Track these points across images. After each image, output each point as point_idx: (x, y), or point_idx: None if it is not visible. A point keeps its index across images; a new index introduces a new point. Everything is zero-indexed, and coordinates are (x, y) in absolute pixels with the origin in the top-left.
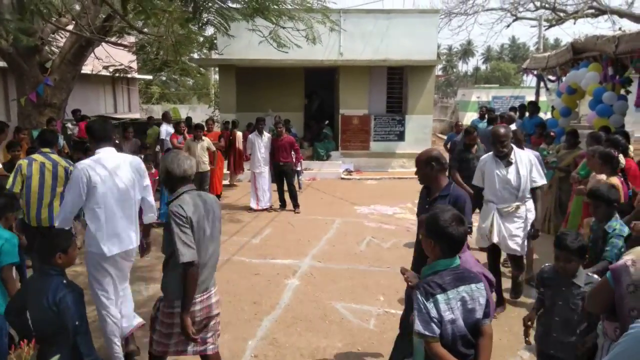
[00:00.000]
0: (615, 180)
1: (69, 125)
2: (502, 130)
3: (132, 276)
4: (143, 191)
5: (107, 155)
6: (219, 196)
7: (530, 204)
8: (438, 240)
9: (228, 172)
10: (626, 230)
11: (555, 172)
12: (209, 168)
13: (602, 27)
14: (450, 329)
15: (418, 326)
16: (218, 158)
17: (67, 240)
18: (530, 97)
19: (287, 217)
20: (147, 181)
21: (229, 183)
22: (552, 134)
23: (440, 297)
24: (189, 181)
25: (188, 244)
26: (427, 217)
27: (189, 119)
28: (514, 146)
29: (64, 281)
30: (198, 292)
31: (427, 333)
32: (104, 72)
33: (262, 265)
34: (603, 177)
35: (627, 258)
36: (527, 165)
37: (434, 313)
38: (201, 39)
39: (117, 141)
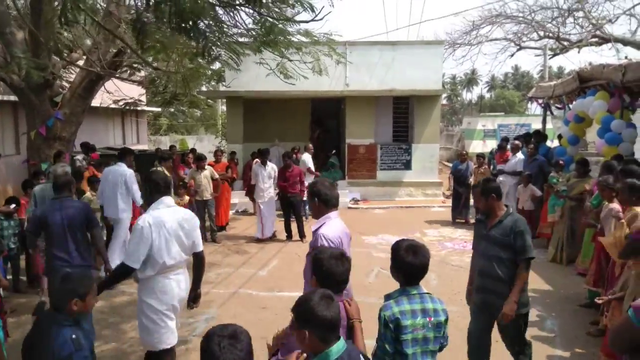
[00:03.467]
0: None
1: (77, 157)
2: None
3: None
4: None
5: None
6: (224, 227)
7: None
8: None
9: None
10: None
11: (567, 202)
12: (210, 197)
13: (607, 55)
14: None
15: None
16: (224, 188)
17: (85, 286)
18: (536, 124)
19: (293, 248)
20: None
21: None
22: (560, 162)
23: None
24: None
25: None
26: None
27: (193, 150)
28: None
29: (73, 336)
30: None
31: None
32: (114, 106)
33: (269, 299)
34: (615, 206)
35: None
36: None
37: None
38: (209, 72)
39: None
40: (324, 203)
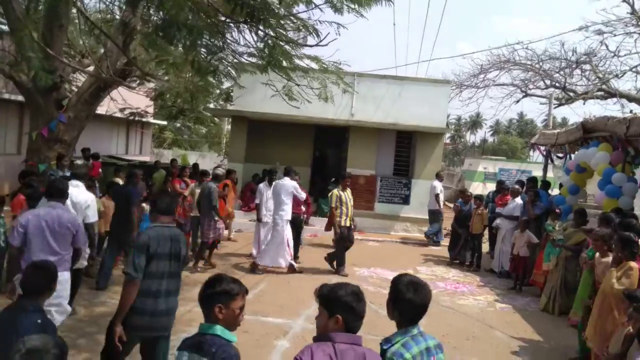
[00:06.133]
0: (634, 264)
1: (77, 162)
2: None
3: None
4: None
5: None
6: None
7: None
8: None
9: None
10: None
11: (562, 251)
12: None
13: (612, 109)
14: None
15: None
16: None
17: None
18: (537, 171)
19: (283, 273)
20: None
21: None
22: (557, 210)
23: None
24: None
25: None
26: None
27: (195, 166)
28: None
29: (39, 320)
30: None
31: None
32: (119, 114)
33: (251, 323)
34: (609, 260)
35: None
36: None
37: None
38: (218, 91)
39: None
40: None
